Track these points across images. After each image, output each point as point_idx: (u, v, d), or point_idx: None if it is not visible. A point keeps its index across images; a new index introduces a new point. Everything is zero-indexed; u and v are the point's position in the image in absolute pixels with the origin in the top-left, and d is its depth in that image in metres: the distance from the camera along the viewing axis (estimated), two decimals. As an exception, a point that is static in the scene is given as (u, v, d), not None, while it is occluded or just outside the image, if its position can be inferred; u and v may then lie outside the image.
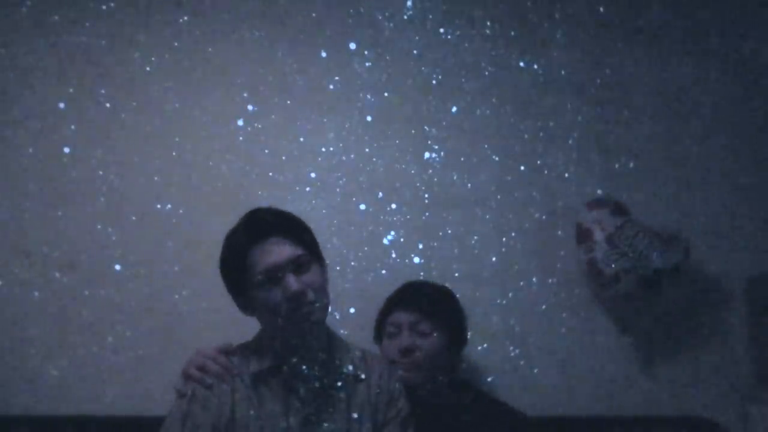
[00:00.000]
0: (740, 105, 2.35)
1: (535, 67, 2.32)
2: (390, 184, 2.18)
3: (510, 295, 2.07)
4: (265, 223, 1.47)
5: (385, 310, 1.83)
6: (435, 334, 1.75)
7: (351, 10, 2.28)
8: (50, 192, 2.05)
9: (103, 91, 2.13)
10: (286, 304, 1.42)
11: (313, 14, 2.26)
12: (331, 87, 2.22)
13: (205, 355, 1.50)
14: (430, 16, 2.32)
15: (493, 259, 2.16)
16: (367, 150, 2.20)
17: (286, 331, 1.45)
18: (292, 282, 1.42)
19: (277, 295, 1.43)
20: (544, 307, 2.14)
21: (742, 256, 2.24)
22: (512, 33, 2.34)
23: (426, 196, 2.20)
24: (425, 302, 1.78)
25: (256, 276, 1.43)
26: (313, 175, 2.16)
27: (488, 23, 2.34)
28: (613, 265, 2.01)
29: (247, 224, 1.49)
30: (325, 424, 1.46)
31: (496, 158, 2.25)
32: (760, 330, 2.17)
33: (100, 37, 2.15)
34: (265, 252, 1.44)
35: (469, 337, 1.89)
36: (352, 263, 2.10)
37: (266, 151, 2.15)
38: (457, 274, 2.11)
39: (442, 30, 2.31)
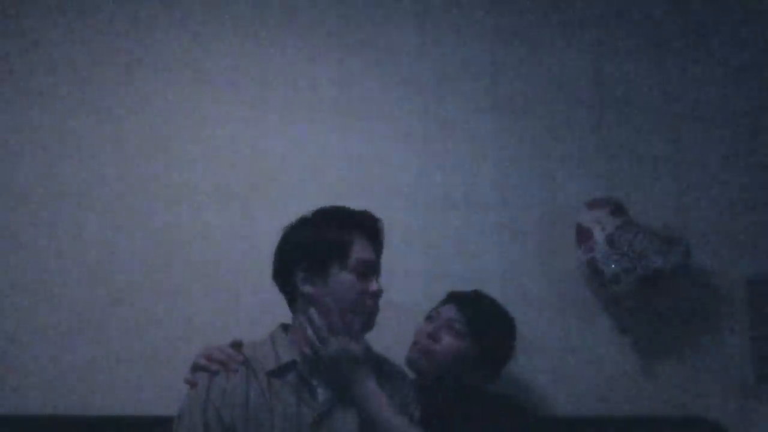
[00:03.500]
0: (740, 105, 2.35)
1: (535, 67, 2.32)
2: (390, 184, 2.18)
3: (510, 295, 2.06)
4: (370, 221, 1.58)
5: (443, 299, 1.85)
6: (462, 342, 1.74)
7: (351, 10, 2.28)
8: (50, 191, 2.05)
9: (103, 91, 2.13)
10: (369, 299, 1.52)
11: (313, 14, 2.26)
12: (331, 87, 2.22)
13: (213, 347, 1.53)
14: (430, 16, 2.32)
15: (493, 259, 2.16)
16: (367, 150, 2.20)
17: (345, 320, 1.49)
18: (379, 283, 1.54)
19: (362, 287, 1.51)
20: (544, 307, 2.14)
21: (742, 256, 2.24)
22: (512, 33, 2.34)
23: (426, 196, 2.20)
24: (472, 311, 1.78)
25: (353, 262, 1.51)
26: (312, 175, 2.16)
27: (488, 23, 2.34)
28: (613, 265, 2.01)
29: (353, 214, 1.57)
30: (337, 426, 1.46)
31: (496, 158, 2.25)
32: (760, 330, 2.17)
33: (100, 38, 2.15)
34: (366, 246, 1.54)
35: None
36: (352, 263, 2.09)
37: (266, 151, 2.15)
38: (457, 274, 2.11)
39: (442, 30, 2.32)
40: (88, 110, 2.11)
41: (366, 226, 1.56)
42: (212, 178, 2.12)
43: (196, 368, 1.51)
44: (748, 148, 2.33)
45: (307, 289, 1.52)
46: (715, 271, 2.22)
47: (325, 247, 1.52)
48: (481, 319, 1.77)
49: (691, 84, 2.36)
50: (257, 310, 1.98)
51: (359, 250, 1.53)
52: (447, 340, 1.75)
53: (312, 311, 1.50)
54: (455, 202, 2.20)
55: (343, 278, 1.50)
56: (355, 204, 2.13)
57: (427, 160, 2.22)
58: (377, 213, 2.11)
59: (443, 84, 2.28)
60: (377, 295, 1.54)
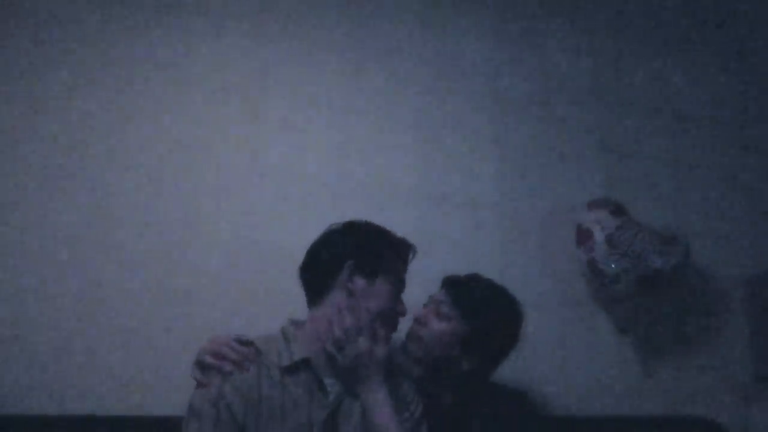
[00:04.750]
0: (740, 105, 2.35)
1: (535, 67, 2.32)
2: (390, 184, 2.18)
3: (510, 295, 2.06)
4: (411, 252, 1.67)
5: (440, 286, 1.85)
6: (448, 323, 1.73)
7: (351, 10, 2.28)
8: (50, 191, 2.05)
9: (102, 93, 2.13)
10: (396, 316, 1.61)
11: (313, 14, 2.26)
12: (331, 87, 2.22)
13: (221, 342, 1.50)
14: (431, 16, 2.32)
15: (493, 259, 2.16)
16: (367, 150, 2.20)
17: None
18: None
19: (396, 303, 1.60)
20: (544, 307, 2.14)
21: (742, 256, 2.24)
22: (512, 33, 2.34)
23: (426, 195, 2.20)
24: (460, 292, 1.77)
25: (397, 279, 1.61)
26: (312, 175, 2.16)
27: (488, 23, 2.34)
28: (613, 266, 2.01)
29: (402, 239, 1.66)
30: (343, 421, 1.48)
31: (496, 158, 2.25)
32: (759, 330, 2.17)
33: (100, 39, 2.15)
34: (404, 271, 1.65)
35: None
36: (352, 263, 2.09)
37: (265, 151, 2.15)
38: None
39: (442, 30, 2.32)
40: (87, 111, 2.11)
41: (407, 255, 1.65)
42: (212, 178, 2.12)
43: (204, 366, 1.47)
44: (748, 148, 2.33)
45: (351, 284, 1.55)
46: (715, 270, 2.23)
47: (381, 254, 1.59)
48: (470, 299, 1.75)
49: (691, 84, 2.36)
50: (258, 309, 1.98)
51: (402, 272, 1.63)
52: (433, 323, 1.74)
53: (343, 310, 1.52)
54: (455, 202, 2.20)
55: (386, 288, 1.58)
56: (355, 203, 2.14)
57: (427, 160, 2.22)
58: (377, 213, 2.11)
59: (443, 84, 2.28)
60: (404, 315, 1.63)
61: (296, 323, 1.59)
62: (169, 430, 1.50)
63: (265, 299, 2.00)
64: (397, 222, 2.01)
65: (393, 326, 1.61)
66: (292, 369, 1.48)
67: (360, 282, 1.55)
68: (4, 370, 1.94)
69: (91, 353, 1.96)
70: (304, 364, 1.50)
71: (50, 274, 2.00)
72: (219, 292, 2.03)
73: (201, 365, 1.48)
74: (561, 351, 2.14)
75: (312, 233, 1.95)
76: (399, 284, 1.61)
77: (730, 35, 2.40)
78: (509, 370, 1.96)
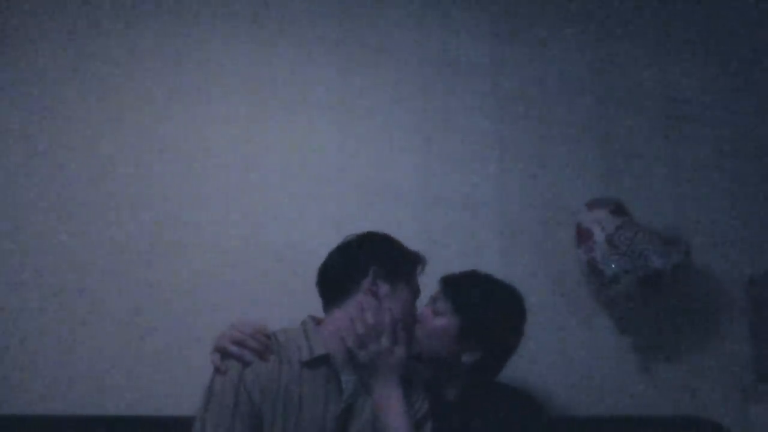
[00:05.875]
0: (740, 105, 2.35)
1: (536, 66, 2.32)
2: (390, 185, 2.18)
3: (510, 295, 2.06)
4: (423, 264, 1.73)
5: None
6: (442, 319, 1.72)
7: (351, 10, 2.28)
8: (51, 190, 2.05)
9: (103, 91, 2.13)
10: (414, 322, 1.67)
11: (313, 14, 2.26)
12: (331, 87, 2.22)
13: (244, 331, 1.51)
14: (430, 16, 2.32)
15: (493, 259, 2.16)
16: (367, 150, 2.20)
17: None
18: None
19: (413, 308, 1.67)
20: (544, 307, 2.14)
21: (742, 256, 2.24)
22: (512, 33, 2.34)
23: (426, 196, 2.20)
24: (453, 287, 1.76)
25: (415, 287, 1.68)
26: (312, 175, 2.16)
27: (488, 23, 2.34)
28: (613, 266, 2.01)
29: (417, 252, 1.71)
30: (356, 419, 1.50)
31: (496, 158, 2.25)
32: (760, 330, 2.17)
33: (100, 38, 2.16)
34: (417, 280, 1.71)
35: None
36: (352, 263, 2.09)
37: (265, 151, 2.15)
38: (457, 274, 2.11)
39: (442, 30, 2.32)
40: (87, 110, 2.11)
41: (419, 265, 1.71)
42: (212, 178, 2.12)
43: (227, 355, 1.48)
44: (748, 148, 2.33)
45: (376, 288, 1.59)
46: (715, 271, 2.23)
47: (403, 262, 1.66)
48: (462, 293, 1.74)
49: (691, 84, 2.36)
50: (260, 309, 1.98)
51: (416, 282, 1.69)
52: (429, 320, 1.74)
53: (367, 309, 1.56)
54: (455, 202, 2.20)
55: (406, 294, 1.64)
56: (356, 203, 2.15)
57: (427, 160, 2.22)
58: (377, 213, 2.14)
59: (443, 84, 2.28)
60: (416, 320, 1.69)
61: (315, 319, 1.61)
62: (168, 430, 1.49)
63: (267, 299, 2.01)
64: (397, 222, 2.02)
65: (411, 331, 1.65)
66: (311, 364, 1.51)
67: (384, 287, 1.60)
68: (4, 370, 1.94)
69: (91, 353, 1.97)
70: (324, 359, 1.52)
71: (50, 273, 2.00)
72: (220, 293, 2.03)
73: (222, 352, 1.49)
74: (561, 351, 2.14)
75: (313, 234, 1.96)
76: (417, 292, 1.68)
77: (730, 35, 2.40)
78: (509, 370, 1.97)
